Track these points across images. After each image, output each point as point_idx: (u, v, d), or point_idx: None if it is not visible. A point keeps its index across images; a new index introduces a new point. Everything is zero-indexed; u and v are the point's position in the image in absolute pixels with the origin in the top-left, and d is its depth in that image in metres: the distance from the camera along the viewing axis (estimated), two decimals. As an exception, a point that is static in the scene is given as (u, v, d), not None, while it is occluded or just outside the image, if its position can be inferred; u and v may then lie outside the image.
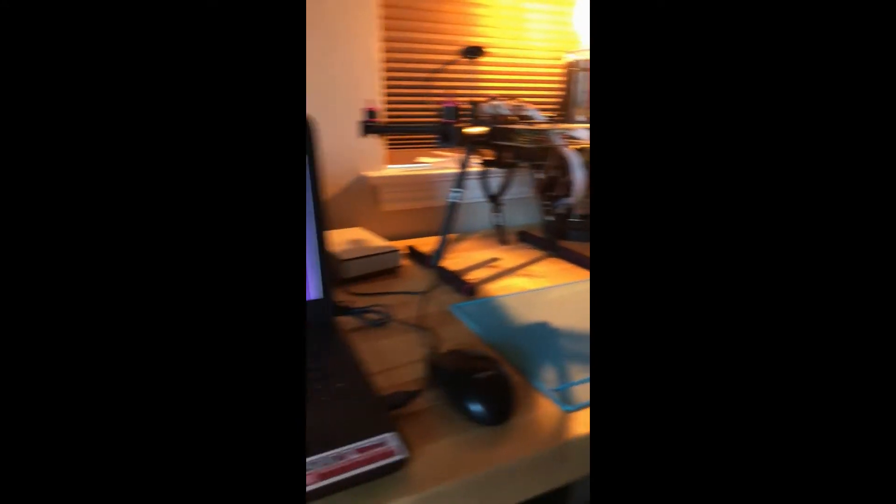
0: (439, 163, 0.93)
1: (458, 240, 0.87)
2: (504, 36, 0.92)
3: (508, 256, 0.77)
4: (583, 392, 0.39)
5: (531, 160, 0.57)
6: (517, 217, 1.01)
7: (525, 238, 0.86)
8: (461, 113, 0.66)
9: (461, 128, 0.48)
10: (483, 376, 0.37)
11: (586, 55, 0.84)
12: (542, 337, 0.49)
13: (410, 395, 0.37)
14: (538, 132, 0.56)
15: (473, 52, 0.62)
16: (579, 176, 0.54)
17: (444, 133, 0.45)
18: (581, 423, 0.36)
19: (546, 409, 0.38)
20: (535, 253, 0.79)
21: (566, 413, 0.37)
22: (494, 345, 0.47)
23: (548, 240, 0.79)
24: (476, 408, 0.35)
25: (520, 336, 0.49)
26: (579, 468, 0.36)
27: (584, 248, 0.80)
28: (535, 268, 0.72)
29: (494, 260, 0.75)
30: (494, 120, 0.66)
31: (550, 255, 0.78)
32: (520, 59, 0.95)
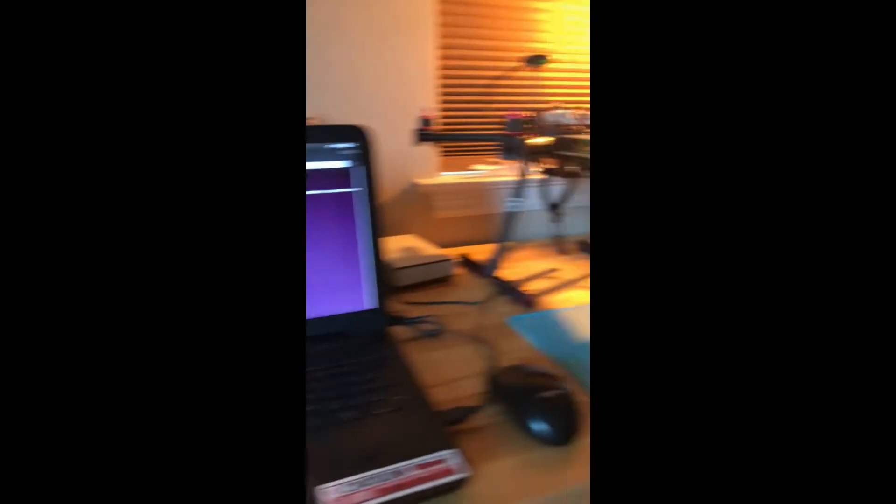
0: (494, 170, 0.91)
1: (513, 248, 0.84)
2: (568, 41, 0.89)
3: (567, 267, 0.74)
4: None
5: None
6: (578, 226, 0.98)
7: (586, 248, 0.83)
8: (524, 123, 0.64)
9: (525, 139, 0.46)
10: (549, 394, 0.34)
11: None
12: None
13: (469, 411, 0.35)
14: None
15: (537, 59, 0.60)
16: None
17: (509, 145, 0.43)
18: (655, 450, 0.33)
19: (615, 432, 0.35)
20: (595, 264, 0.76)
21: (638, 438, 0.34)
22: (556, 360, 0.45)
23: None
24: (540, 426, 0.33)
25: (582, 351, 0.46)
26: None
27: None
28: (596, 280, 0.69)
29: (553, 270, 0.73)
30: (558, 129, 0.64)
31: (611, 267, 0.74)
32: (586, 65, 0.92)
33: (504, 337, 0.51)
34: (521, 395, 0.35)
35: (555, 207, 0.68)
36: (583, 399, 0.39)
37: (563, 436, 0.33)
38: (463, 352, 0.47)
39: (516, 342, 0.50)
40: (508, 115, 0.47)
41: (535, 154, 0.60)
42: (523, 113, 0.49)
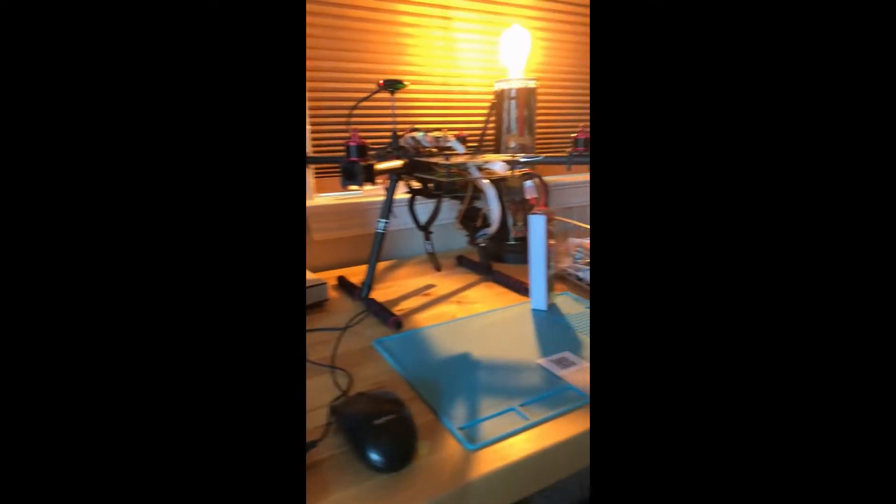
0: (369, 190, 0.92)
1: (393, 267, 0.86)
2: (435, 65, 0.93)
3: (443, 282, 0.77)
4: (491, 428, 0.39)
5: (451, 192, 0.58)
6: (455, 241, 1.01)
7: (462, 262, 0.87)
8: (372, 148, 0.66)
9: (369, 165, 0.48)
10: (382, 421, 0.36)
11: (516, 84, 0.86)
12: (461, 370, 0.48)
13: (310, 446, 0.36)
14: (454, 165, 0.56)
15: (393, 84, 0.62)
16: (495, 207, 0.55)
17: (349, 171, 0.44)
18: (486, 462, 0.36)
19: (452, 449, 0.37)
20: (471, 278, 0.79)
21: (470, 452, 0.37)
22: (413, 381, 0.47)
23: (482, 264, 0.80)
24: (373, 455, 0.34)
25: (438, 371, 0.48)
26: (481, 511, 0.35)
27: (518, 272, 0.80)
28: (469, 293, 0.72)
29: (429, 287, 0.75)
30: (415, 152, 0.66)
31: (485, 280, 0.78)
32: (452, 88, 0.96)
33: (368, 361, 0.52)
34: (359, 424, 0.36)
35: (423, 227, 0.71)
36: (426, 420, 0.41)
37: (393, 462, 0.34)
38: (320, 382, 0.47)
39: (379, 366, 0.51)
40: (349, 141, 0.48)
41: (393, 175, 0.62)
42: (362, 139, 0.51)
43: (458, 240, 1.02)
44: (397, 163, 0.58)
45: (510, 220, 0.90)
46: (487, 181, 0.55)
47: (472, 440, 0.37)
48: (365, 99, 0.68)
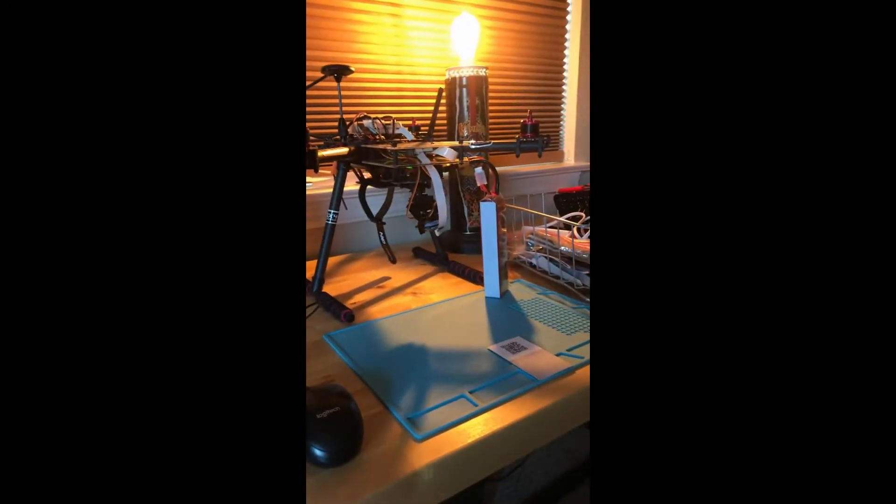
0: (321, 182, 0.90)
1: (348, 261, 0.84)
2: (387, 53, 0.91)
3: (399, 275, 0.76)
4: (440, 416, 0.38)
5: (400, 180, 0.57)
6: (413, 233, 1.00)
7: (419, 254, 0.86)
8: (322, 136, 0.64)
9: (311, 151, 0.46)
10: (325, 414, 0.35)
11: (467, 72, 0.85)
12: (412, 361, 0.48)
13: (245, 445, 0.34)
14: (402, 152, 0.55)
15: (338, 70, 0.60)
16: (441, 195, 0.54)
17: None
18: (433, 451, 0.35)
19: (399, 440, 0.36)
20: (427, 269, 0.79)
21: (417, 442, 0.36)
22: (363, 374, 0.46)
23: (439, 255, 0.79)
24: (316, 449, 0.33)
25: (389, 362, 0.48)
26: (427, 499, 0.35)
27: (475, 262, 0.80)
28: (425, 284, 0.71)
29: (383, 280, 0.74)
30: (364, 139, 0.65)
31: (441, 271, 0.77)
32: (404, 76, 0.95)
33: (316, 356, 0.50)
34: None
35: (376, 217, 0.69)
36: (374, 412, 0.40)
37: (336, 456, 0.33)
38: (265, 379, 0.46)
39: (328, 360, 0.49)
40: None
41: (341, 163, 0.60)
42: (309, 126, 0.49)
43: (416, 231, 1.01)
44: (342, 150, 0.57)
45: (466, 210, 0.90)
46: (433, 167, 0.54)
47: (420, 430, 0.37)
48: (308, 87, 0.66)
